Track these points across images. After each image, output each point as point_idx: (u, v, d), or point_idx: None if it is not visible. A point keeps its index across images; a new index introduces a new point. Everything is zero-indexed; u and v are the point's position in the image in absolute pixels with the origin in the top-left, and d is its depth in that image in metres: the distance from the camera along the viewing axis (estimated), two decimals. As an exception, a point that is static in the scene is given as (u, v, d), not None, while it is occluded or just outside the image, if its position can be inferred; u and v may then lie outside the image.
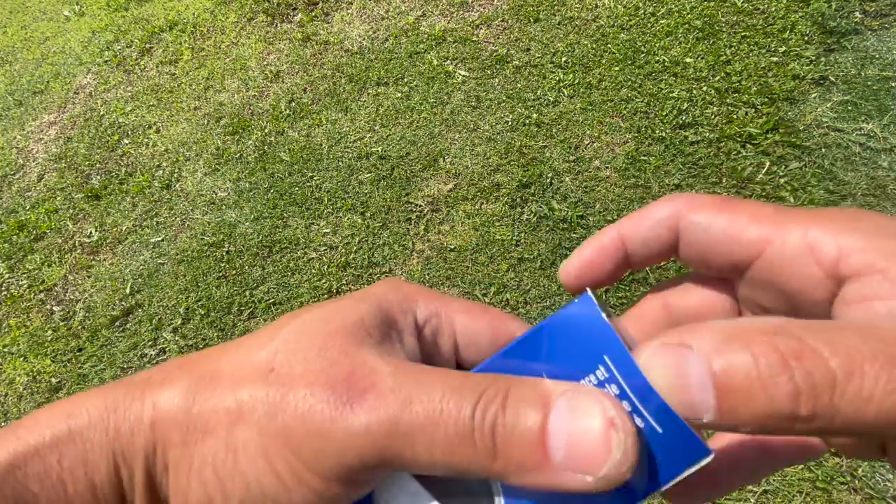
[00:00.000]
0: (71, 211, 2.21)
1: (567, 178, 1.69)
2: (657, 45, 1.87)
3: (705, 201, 0.18)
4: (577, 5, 2.09)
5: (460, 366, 0.23)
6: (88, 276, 2.00)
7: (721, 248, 0.18)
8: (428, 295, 0.22)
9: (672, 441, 0.15)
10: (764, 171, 1.52)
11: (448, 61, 2.10)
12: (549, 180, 1.70)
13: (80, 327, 1.87)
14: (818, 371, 0.12)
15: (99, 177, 2.29)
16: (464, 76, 2.04)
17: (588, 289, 0.17)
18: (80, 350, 1.82)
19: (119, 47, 2.80)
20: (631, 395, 0.15)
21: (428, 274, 1.63)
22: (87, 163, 2.35)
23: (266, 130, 2.17)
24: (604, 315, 0.16)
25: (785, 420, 0.13)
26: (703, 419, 0.14)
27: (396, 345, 0.20)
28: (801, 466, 1.14)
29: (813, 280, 0.16)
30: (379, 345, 0.19)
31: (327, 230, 1.82)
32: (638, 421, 0.15)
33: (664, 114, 1.71)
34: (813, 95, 1.61)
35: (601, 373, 0.16)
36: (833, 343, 0.12)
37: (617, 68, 1.86)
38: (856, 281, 0.15)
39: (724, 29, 1.82)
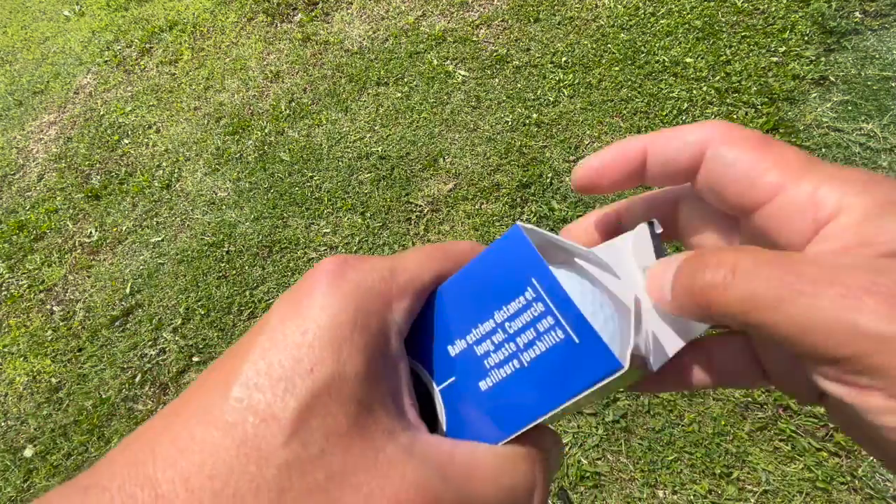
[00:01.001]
0: (71, 211, 2.21)
1: (567, 178, 1.69)
2: (657, 45, 1.87)
3: (739, 136, 0.18)
4: (577, 5, 2.09)
5: None
6: (88, 276, 2.00)
7: (738, 186, 0.18)
8: (398, 286, 0.18)
9: (589, 352, 0.17)
10: (764, 171, 1.53)
11: (448, 61, 2.10)
12: (549, 180, 1.70)
13: (80, 327, 1.87)
14: (711, 274, 0.16)
15: (99, 177, 2.29)
16: (464, 76, 2.04)
17: (518, 222, 0.19)
18: (80, 350, 1.82)
19: (119, 47, 2.80)
20: (554, 310, 0.17)
21: (428, 274, 1.63)
22: (87, 163, 2.35)
23: (266, 130, 2.17)
24: (531, 241, 0.18)
25: (697, 305, 0.16)
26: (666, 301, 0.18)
27: (395, 393, 0.17)
28: (801, 466, 1.14)
29: (803, 235, 0.16)
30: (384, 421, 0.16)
31: (327, 230, 1.82)
32: (560, 333, 0.17)
33: (664, 114, 1.71)
34: (813, 95, 1.61)
35: (529, 293, 0.18)
36: (730, 261, 0.15)
37: (617, 68, 1.86)
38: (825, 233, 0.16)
39: (724, 29, 1.82)
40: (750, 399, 1.23)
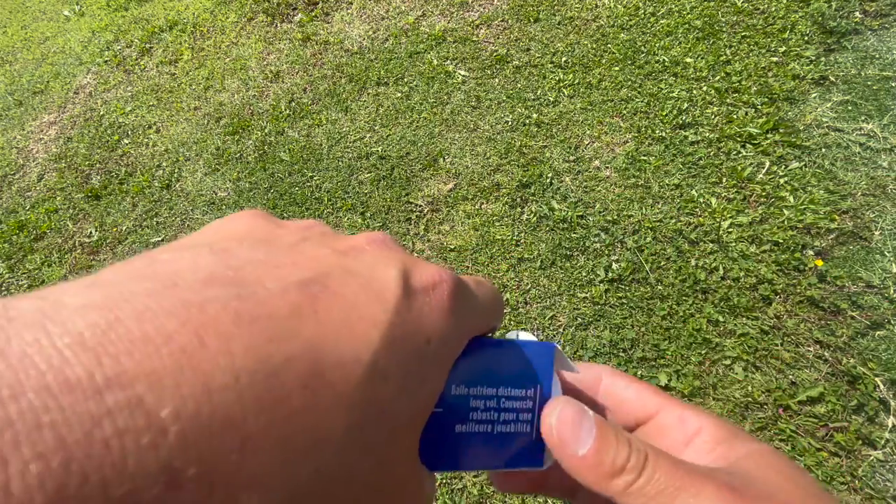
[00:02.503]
0: (71, 211, 2.21)
1: (567, 178, 1.69)
2: (657, 45, 1.87)
3: (622, 373, 0.26)
4: (577, 5, 2.09)
5: None
6: (88, 276, 2.00)
7: (629, 406, 0.25)
8: (472, 328, 0.21)
9: (534, 448, 0.23)
10: (764, 171, 1.52)
11: (448, 61, 2.10)
12: (549, 180, 1.70)
13: (80, 327, 1.87)
14: (624, 477, 0.20)
15: (99, 177, 2.29)
16: (464, 76, 2.04)
17: (556, 344, 0.24)
18: (80, 350, 1.82)
19: (119, 47, 2.80)
20: (536, 412, 0.23)
21: (428, 274, 1.63)
22: (87, 163, 2.35)
23: (266, 130, 2.17)
24: (554, 364, 0.24)
25: (601, 488, 0.21)
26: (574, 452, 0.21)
27: None
28: (800, 466, 1.14)
29: (677, 443, 0.23)
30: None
31: (327, 230, 1.82)
32: (528, 427, 0.23)
33: (664, 114, 1.71)
34: (813, 95, 1.61)
35: (530, 392, 0.23)
36: (639, 466, 0.20)
37: (617, 68, 1.86)
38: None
39: (724, 29, 1.82)
40: (750, 399, 1.23)
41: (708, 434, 0.23)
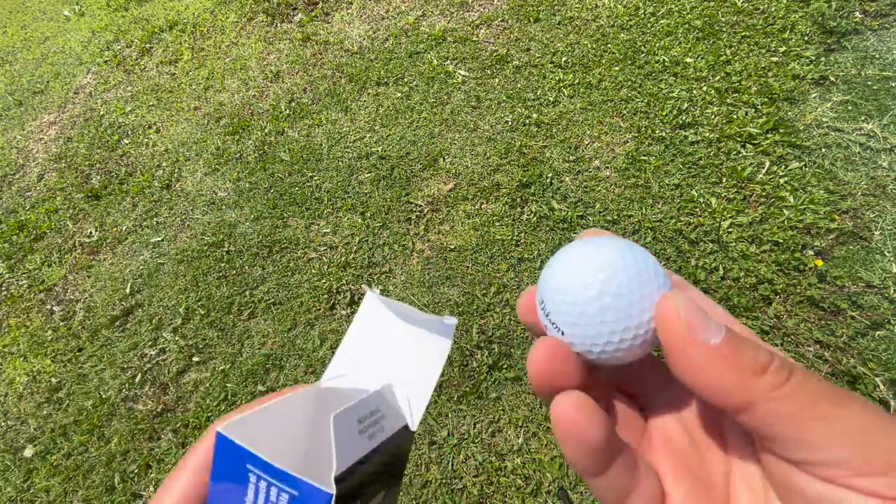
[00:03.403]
0: (71, 211, 2.21)
1: (567, 178, 1.69)
2: (657, 45, 1.87)
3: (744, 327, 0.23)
4: (577, 5, 2.09)
5: None
6: (88, 276, 2.00)
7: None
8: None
9: (308, 497, 0.21)
10: (764, 171, 1.52)
11: (448, 61, 2.10)
12: (549, 180, 1.70)
13: (80, 327, 1.87)
14: (768, 378, 0.17)
15: (99, 177, 2.29)
16: (464, 76, 2.04)
17: (218, 427, 0.22)
18: (80, 350, 1.82)
19: (119, 47, 2.80)
20: (273, 482, 0.21)
21: (428, 274, 1.63)
22: (87, 163, 2.35)
23: (266, 130, 2.17)
24: (234, 439, 0.22)
25: (736, 389, 0.17)
26: (707, 340, 0.18)
27: None
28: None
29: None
30: None
31: (327, 230, 1.82)
32: (286, 496, 0.21)
33: (664, 114, 1.71)
34: (813, 95, 1.61)
35: (253, 478, 0.21)
36: (785, 373, 0.17)
37: (617, 68, 1.86)
38: None
39: (724, 29, 1.82)
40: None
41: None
